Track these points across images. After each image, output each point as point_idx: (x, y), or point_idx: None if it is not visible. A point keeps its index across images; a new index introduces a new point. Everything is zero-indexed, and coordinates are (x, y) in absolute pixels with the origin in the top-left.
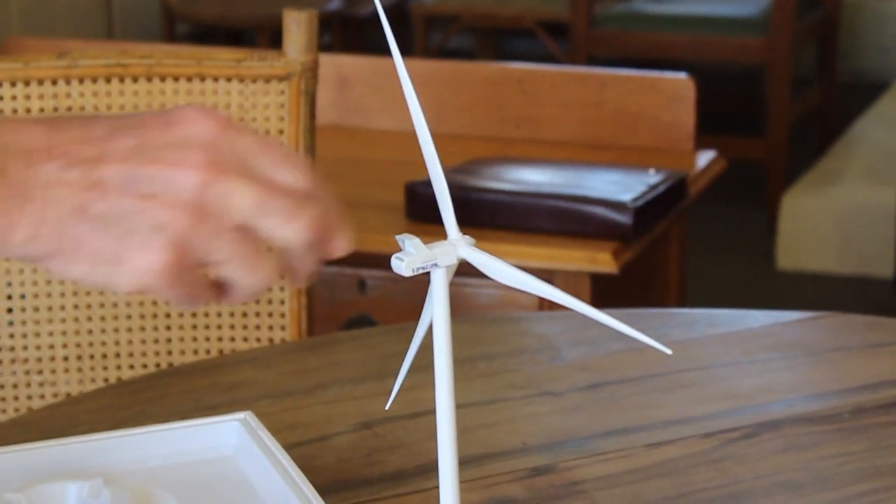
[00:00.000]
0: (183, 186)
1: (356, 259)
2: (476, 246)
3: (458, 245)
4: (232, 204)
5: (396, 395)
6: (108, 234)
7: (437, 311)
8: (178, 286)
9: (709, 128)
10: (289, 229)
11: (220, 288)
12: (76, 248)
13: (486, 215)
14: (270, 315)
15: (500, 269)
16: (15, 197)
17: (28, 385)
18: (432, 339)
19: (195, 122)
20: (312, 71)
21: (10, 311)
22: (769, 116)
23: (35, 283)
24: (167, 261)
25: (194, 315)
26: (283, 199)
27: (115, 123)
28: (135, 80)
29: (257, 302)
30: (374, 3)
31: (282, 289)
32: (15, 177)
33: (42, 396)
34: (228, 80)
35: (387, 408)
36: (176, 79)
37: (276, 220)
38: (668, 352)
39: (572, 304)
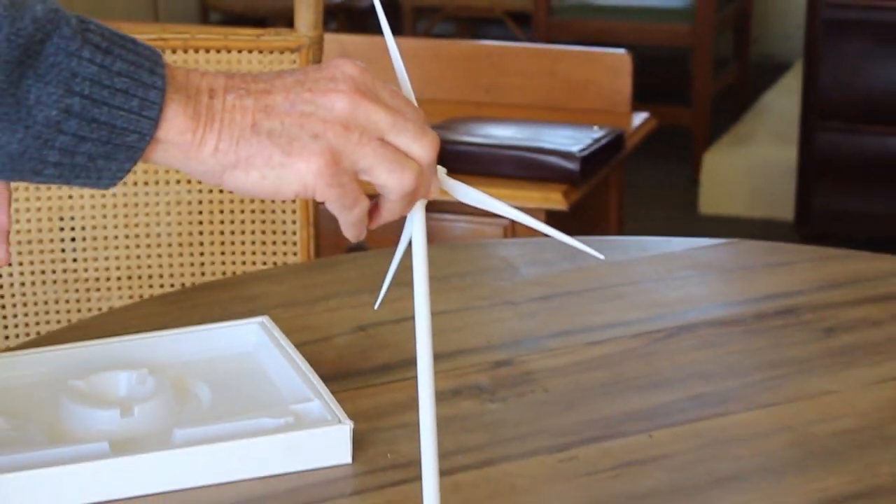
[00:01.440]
0: (334, 106)
1: None
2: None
3: None
4: (373, 120)
5: (386, 305)
6: (276, 144)
7: (415, 228)
8: (334, 187)
9: (646, 99)
10: (418, 145)
11: (374, 207)
12: (251, 157)
13: (460, 163)
14: (285, 243)
15: (468, 192)
16: (203, 120)
17: (88, 300)
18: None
19: (342, 66)
20: (319, 44)
21: (73, 240)
22: (694, 90)
23: (93, 217)
24: (324, 162)
25: (223, 242)
26: (412, 122)
27: (279, 72)
28: (174, 51)
29: (273, 232)
30: None
31: (294, 222)
32: (202, 105)
33: (99, 309)
34: (250, 51)
35: (376, 307)
36: (207, 51)
37: (408, 137)
38: (601, 257)
39: (523, 219)
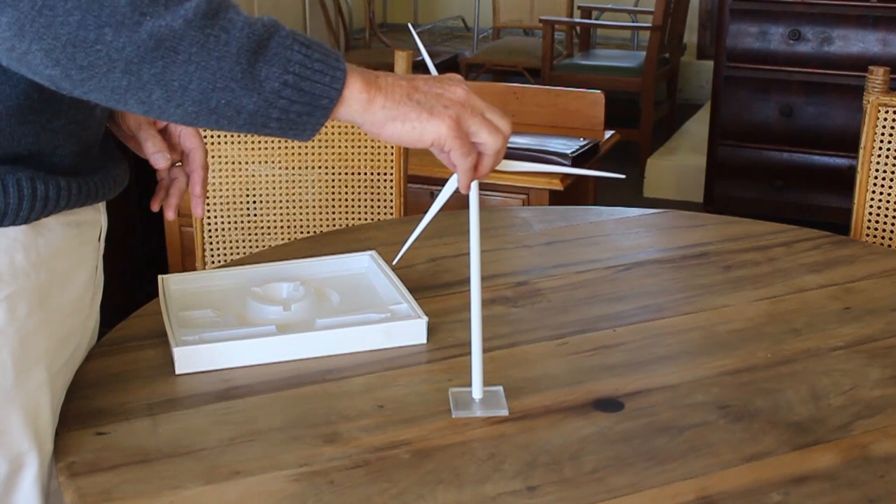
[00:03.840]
0: (455, 91)
1: (429, 181)
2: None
3: None
4: (477, 104)
5: (449, 245)
6: (423, 108)
7: (472, 198)
8: (457, 139)
9: (612, 123)
10: (503, 123)
11: (478, 159)
12: (406, 114)
13: None
14: (386, 206)
15: (510, 163)
16: (373, 89)
17: (262, 240)
18: (468, 219)
19: (454, 76)
20: None
21: (253, 203)
22: (642, 119)
23: (265, 189)
24: (452, 122)
25: (346, 204)
26: (499, 111)
27: (417, 75)
28: None
29: (379, 199)
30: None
31: (391, 192)
32: (372, 81)
33: (270, 246)
34: None
35: (394, 263)
36: None
37: (497, 116)
38: (622, 176)
39: (550, 168)
